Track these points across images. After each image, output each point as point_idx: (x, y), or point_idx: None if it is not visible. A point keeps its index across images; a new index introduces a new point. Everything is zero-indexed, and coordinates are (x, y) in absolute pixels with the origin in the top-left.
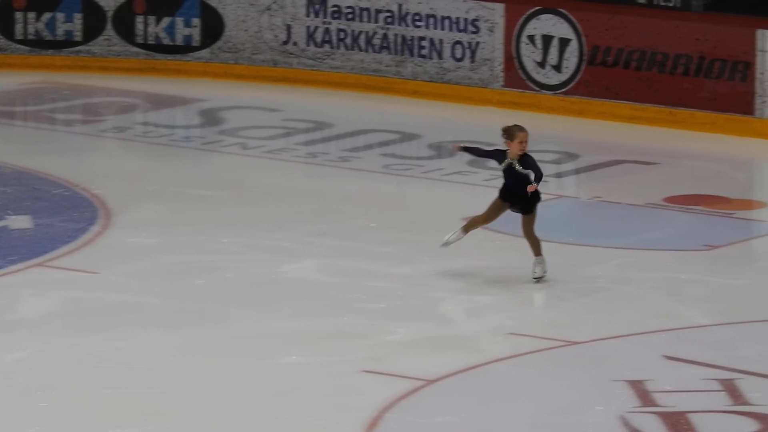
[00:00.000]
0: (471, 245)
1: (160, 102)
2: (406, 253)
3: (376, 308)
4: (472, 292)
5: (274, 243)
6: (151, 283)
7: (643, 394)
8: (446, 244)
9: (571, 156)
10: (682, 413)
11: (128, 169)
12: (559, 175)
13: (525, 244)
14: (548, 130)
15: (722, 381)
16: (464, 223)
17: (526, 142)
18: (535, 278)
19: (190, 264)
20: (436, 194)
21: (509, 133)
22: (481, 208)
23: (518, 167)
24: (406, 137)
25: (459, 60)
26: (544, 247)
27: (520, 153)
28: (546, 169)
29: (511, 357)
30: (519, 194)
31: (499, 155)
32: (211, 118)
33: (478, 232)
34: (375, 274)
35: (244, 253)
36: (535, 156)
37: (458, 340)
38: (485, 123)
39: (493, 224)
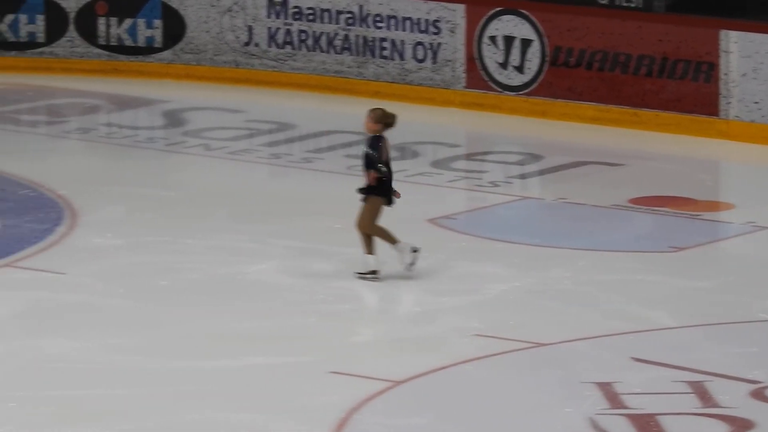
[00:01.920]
0: (436, 247)
1: (123, 103)
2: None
3: (342, 309)
4: (438, 293)
5: (238, 244)
6: (115, 284)
7: (611, 395)
8: (411, 264)
9: (535, 157)
10: (651, 415)
11: (93, 170)
12: (522, 177)
13: (490, 246)
14: (511, 132)
15: (691, 383)
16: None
17: None
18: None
19: (154, 265)
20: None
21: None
22: (444, 209)
23: None
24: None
25: (421, 61)
26: (507, 248)
27: None
28: (509, 170)
29: (477, 358)
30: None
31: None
32: (174, 119)
33: (442, 234)
34: (339, 275)
35: (208, 254)
36: (499, 157)
37: (424, 341)
38: (447, 124)
39: (458, 225)
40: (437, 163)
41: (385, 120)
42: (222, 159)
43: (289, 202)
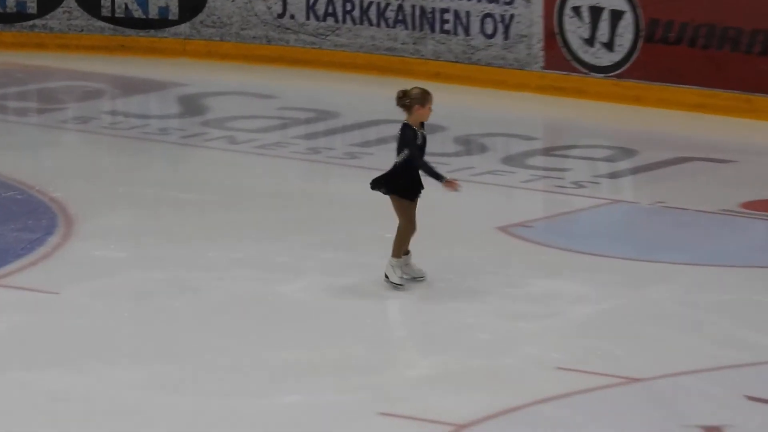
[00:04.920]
0: (508, 261)
1: (130, 87)
2: (427, 269)
3: (393, 336)
4: (511, 317)
5: (268, 257)
6: (120, 306)
7: None
8: (398, 285)
9: (627, 152)
10: None
11: (93, 167)
12: (613, 176)
13: (574, 259)
14: (599, 122)
15: None
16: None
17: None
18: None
19: (167, 282)
20: (464, 198)
21: (424, 97)
22: (518, 214)
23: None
24: (427, 129)
25: (490, 36)
26: (595, 262)
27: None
28: (597, 168)
29: (558, 397)
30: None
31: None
32: (192, 106)
33: (515, 245)
34: (390, 295)
35: (232, 270)
36: (584, 152)
37: (493, 375)
38: (521, 112)
39: (535, 234)
40: (509, 160)
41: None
42: (250, 154)
43: (331, 206)
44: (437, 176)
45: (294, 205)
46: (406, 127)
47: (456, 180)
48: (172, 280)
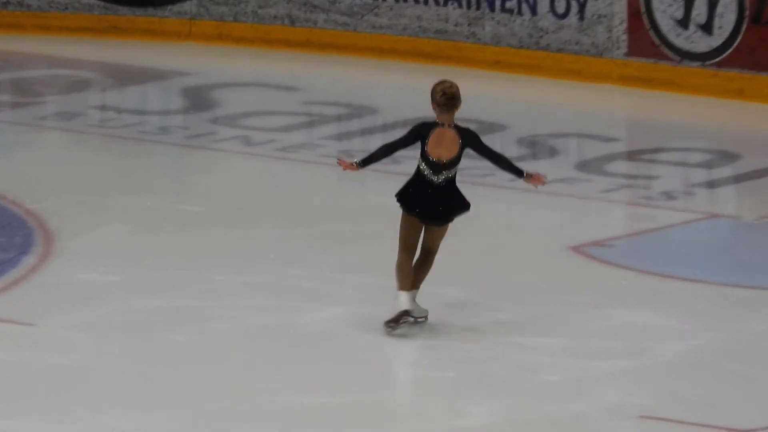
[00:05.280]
0: (583, 286)
1: (124, 76)
2: (483, 297)
3: (442, 378)
4: (586, 354)
5: (290, 281)
6: (110, 340)
7: None
8: (396, 323)
9: (729, 157)
10: None
11: (79, 173)
12: (710, 186)
13: (662, 285)
14: (694, 119)
15: None
16: (406, 279)
17: None
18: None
19: (167, 312)
20: (530, 211)
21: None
22: (596, 231)
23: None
24: (485, 129)
25: (561, 17)
26: (687, 289)
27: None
28: (691, 176)
29: None
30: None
31: (423, 131)
32: (198, 100)
33: (591, 267)
34: (438, 327)
35: (246, 296)
36: (675, 157)
37: (564, 425)
38: (599, 108)
39: (615, 254)
40: (585, 165)
41: None
42: (269, 158)
43: (366, 221)
44: (518, 171)
45: (321, 219)
46: (464, 129)
47: (539, 173)
48: (174, 310)
